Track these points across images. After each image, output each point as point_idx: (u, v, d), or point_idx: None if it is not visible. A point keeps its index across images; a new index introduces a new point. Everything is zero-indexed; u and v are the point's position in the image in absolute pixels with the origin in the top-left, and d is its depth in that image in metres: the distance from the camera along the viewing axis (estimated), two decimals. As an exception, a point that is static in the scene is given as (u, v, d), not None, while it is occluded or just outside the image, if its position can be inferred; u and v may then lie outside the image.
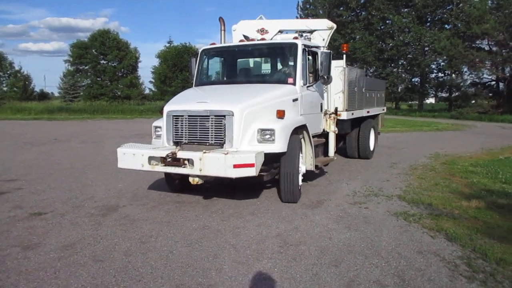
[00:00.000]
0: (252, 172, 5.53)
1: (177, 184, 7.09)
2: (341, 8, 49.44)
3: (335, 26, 9.33)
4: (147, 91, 49.45)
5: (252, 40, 8.37)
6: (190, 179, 5.92)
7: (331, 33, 9.26)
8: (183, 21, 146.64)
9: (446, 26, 43.32)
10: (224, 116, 5.96)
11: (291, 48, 7.44)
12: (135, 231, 5.01)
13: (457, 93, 42.74)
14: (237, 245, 4.55)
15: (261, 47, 8.11)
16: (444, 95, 48.16)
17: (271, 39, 8.40)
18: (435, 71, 46.17)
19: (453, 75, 42.75)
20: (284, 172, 6.23)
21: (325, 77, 7.47)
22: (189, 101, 6.69)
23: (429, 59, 42.75)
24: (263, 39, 8.23)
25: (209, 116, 6.06)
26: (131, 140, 15.16)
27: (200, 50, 8.42)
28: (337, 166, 9.70)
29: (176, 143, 6.27)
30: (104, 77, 45.15)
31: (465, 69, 40.18)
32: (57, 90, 49.50)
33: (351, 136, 10.55)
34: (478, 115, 33.65)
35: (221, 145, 6.01)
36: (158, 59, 36.98)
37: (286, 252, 4.35)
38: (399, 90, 48.42)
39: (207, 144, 6.10)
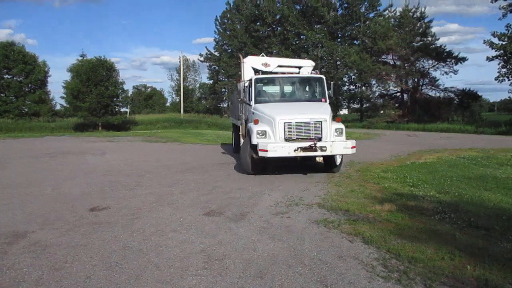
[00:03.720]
0: (354, 151, 9.71)
1: (260, 168, 10.45)
2: (258, 24, 50.78)
3: (314, 63, 13.86)
4: (58, 107, 46.56)
5: (259, 72, 12.70)
6: (317, 159, 11.05)
7: (312, 68, 13.44)
8: (97, 34, 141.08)
9: (355, 41, 46.31)
10: (321, 121, 9.67)
11: (320, 79, 11.76)
12: (47, 258, 4.63)
13: (367, 104, 45.65)
14: (160, 264, 4.39)
15: (299, 78, 12.34)
16: (356, 106, 51.29)
17: (272, 70, 12.89)
18: (347, 84, 49.05)
19: (363, 88, 45.68)
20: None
21: (334, 98, 12.21)
22: (290, 114, 9.91)
23: (341, 72, 45.34)
24: (268, 72, 12.67)
25: (309, 122, 9.67)
26: (42, 159, 14.16)
27: (253, 79, 11.57)
28: (258, 179, 9.84)
29: (287, 140, 9.61)
30: (8, 92, 41.56)
31: (374, 82, 43.15)
32: (-47, 108, 44.58)
33: None
34: (387, 124, 36.19)
35: (319, 139, 9.55)
36: (70, 73, 34.85)
37: (211, 267, 4.29)
38: (315, 102, 50.50)
39: (309, 139, 9.54)
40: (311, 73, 12.85)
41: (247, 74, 12.43)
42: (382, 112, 42.59)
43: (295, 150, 9.25)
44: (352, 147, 9.54)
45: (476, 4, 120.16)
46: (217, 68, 58.35)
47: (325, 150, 9.31)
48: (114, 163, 13.19)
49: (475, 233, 5.31)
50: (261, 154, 9.43)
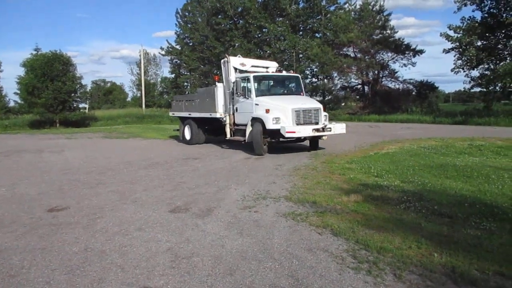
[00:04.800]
0: (345, 131, 13.17)
1: (266, 147, 12.87)
2: (220, 17, 50.19)
3: (277, 64, 16.50)
4: (11, 104, 44.44)
5: (237, 70, 14.61)
6: (324, 137, 13.13)
7: (276, 68, 15.88)
8: (51, 27, 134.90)
9: (317, 34, 46.57)
10: (318, 109, 12.58)
11: (298, 77, 15.35)
12: (2, 263, 4.35)
13: (329, 97, 46.11)
14: (125, 265, 4.21)
15: (284, 76, 15.27)
16: (318, 98, 51.65)
17: (248, 69, 14.69)
18: (309, 76, 49.38)
19: (325, 80, 46.11)
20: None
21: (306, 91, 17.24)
22: (295, 104, 12.44)
23: (303, 65, 45.54)
24: (243, 70, 14.56)
25: (311, 109, 12.45)
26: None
27: (252, 76, 13.56)
28: (224, 172, 9.72)
29: (297, 124, 12.04)
30: (-44, 89, 39.49)
31: (335, 74, 43.64)
32: None
33: None
34: (349, 116, 36.76)
35: (317, 123, 12.34)
36: (23, 68, 33.15)
37: (178, 266, 4.14)
38: (278, 95, 50.56)
39: (311, 123, 12.27)
40: (276, 72, 15.58)
41: (232, 72, 14.33)
42: (344, 104, 43.22)
43: (312, 130, 11.95)
44: (345, 128, 13.06)
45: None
46: (178, 61, 57.35)
47: (330, 130, 12.36)
48: (73, 160, 12.70)
49: (439, 220, 5.42)
50: (288, 135, 11.78)
